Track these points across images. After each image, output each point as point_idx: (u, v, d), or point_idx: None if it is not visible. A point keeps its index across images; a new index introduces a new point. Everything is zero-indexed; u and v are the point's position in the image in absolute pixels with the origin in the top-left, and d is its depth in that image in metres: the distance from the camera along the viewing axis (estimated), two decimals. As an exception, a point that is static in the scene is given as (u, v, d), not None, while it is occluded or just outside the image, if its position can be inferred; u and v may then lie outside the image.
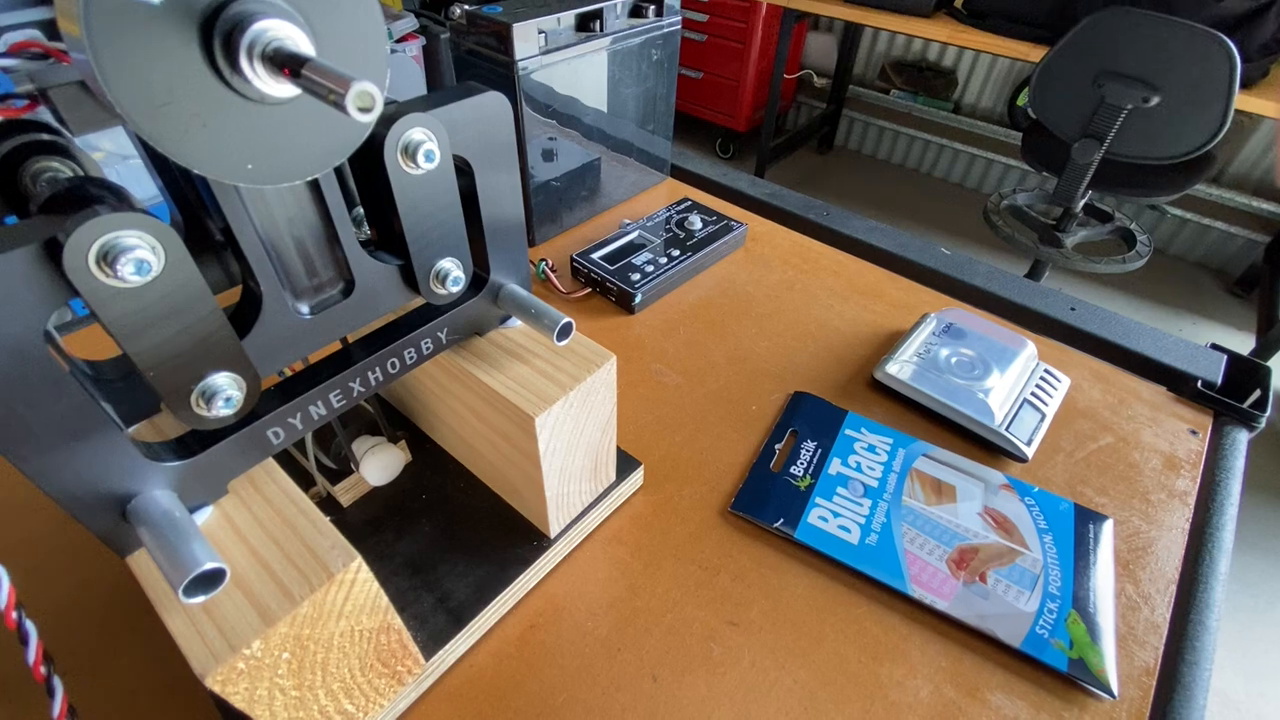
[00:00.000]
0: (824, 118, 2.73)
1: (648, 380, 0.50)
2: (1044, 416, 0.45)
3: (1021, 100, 2.34)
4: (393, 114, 0.22)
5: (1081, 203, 1.65)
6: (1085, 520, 0.40)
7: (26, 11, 0.20)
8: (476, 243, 0.30)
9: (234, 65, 0.15)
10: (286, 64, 0.14)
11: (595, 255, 0.58)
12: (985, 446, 0.45)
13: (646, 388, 0.49)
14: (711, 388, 0.49)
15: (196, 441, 0.23)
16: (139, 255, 0.17)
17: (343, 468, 0.36)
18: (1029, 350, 0.49)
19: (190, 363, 0.20)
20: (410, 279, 0.27)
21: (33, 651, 0.21)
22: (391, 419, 0.42)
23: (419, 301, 0.28)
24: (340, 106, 0.13)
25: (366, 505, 0.37)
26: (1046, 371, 0.49)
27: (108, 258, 0.17)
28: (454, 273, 0.27)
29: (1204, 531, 0.40)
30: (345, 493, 0.37)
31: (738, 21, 2.36)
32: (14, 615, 0.20)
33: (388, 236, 0.26)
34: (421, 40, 1.98)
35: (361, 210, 0.27)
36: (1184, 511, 0.41)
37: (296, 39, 0.15)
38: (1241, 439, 0.46)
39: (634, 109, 0.65)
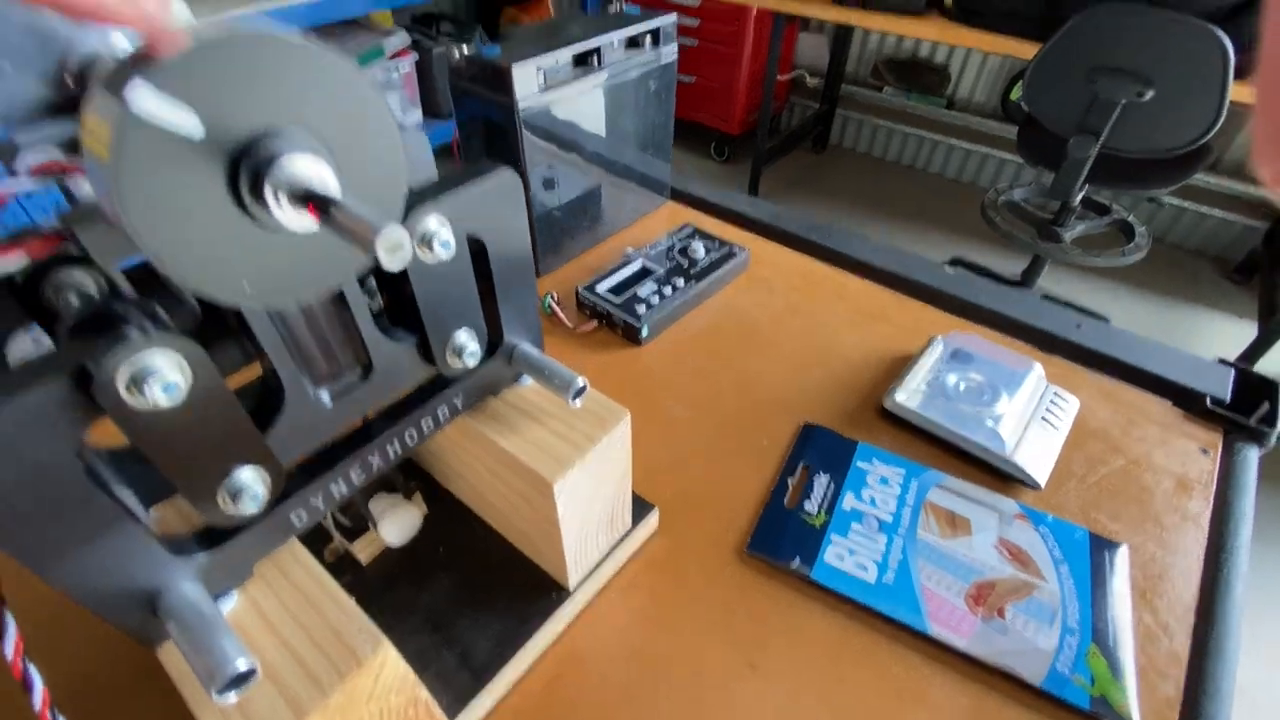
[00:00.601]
0: (818, 117, 2.72)
1: (658, 415, 0.50)
2: (1055, 441, 0.46)
3: (1015, 94, 2.34)
4: (410, 204, 0.22)
5: (1079, 197, 1.65)
6: (1100, 548, 0.40)
7: (46, 126, 0.20)
8: (489, 307, 0.30)
9: (258, 198, 0.15)
10: (313, 203, 0.15)
11: (600, 287, 0.58)
12: (998, 474, 0.45)
13: (657, 423, 0.49)
14: (721, 420, 0.49)
15: (221, 531, 0.23)
16: (167, 378, 0.17)
17: (360, 526, 0.37)
18: (1037, 372, 0.49)
19: (215, 463, 0.20)
20: (426, 352, 0.27)
21: (38, 698, 0.20)
22: (406, 470, 0.42)
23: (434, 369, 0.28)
24: (369, 250, 0.14)
25: (384, 560, 0.38)
26: (1055, 394, 0.49)
27: (137, 382, 0.17)
28: (470, 345, 0.27)
29: (1219, 556, 0.40)
30: (363, 550, 0.37)
31: (729, 25, 2.36)
32: (20, 663, 0.20)
33: (401, 310, 0.26)
34: (414, 56, 1.98)
35: (373, 280, 0.27)
36: (1198, 535, 0.42)
37: (324, 176, 0.15)
38: (1252, 456, 0.46)
39: (633, 136, 0.65)
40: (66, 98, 0.21)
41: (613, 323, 0.57)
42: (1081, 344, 0.55)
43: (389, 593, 0.36)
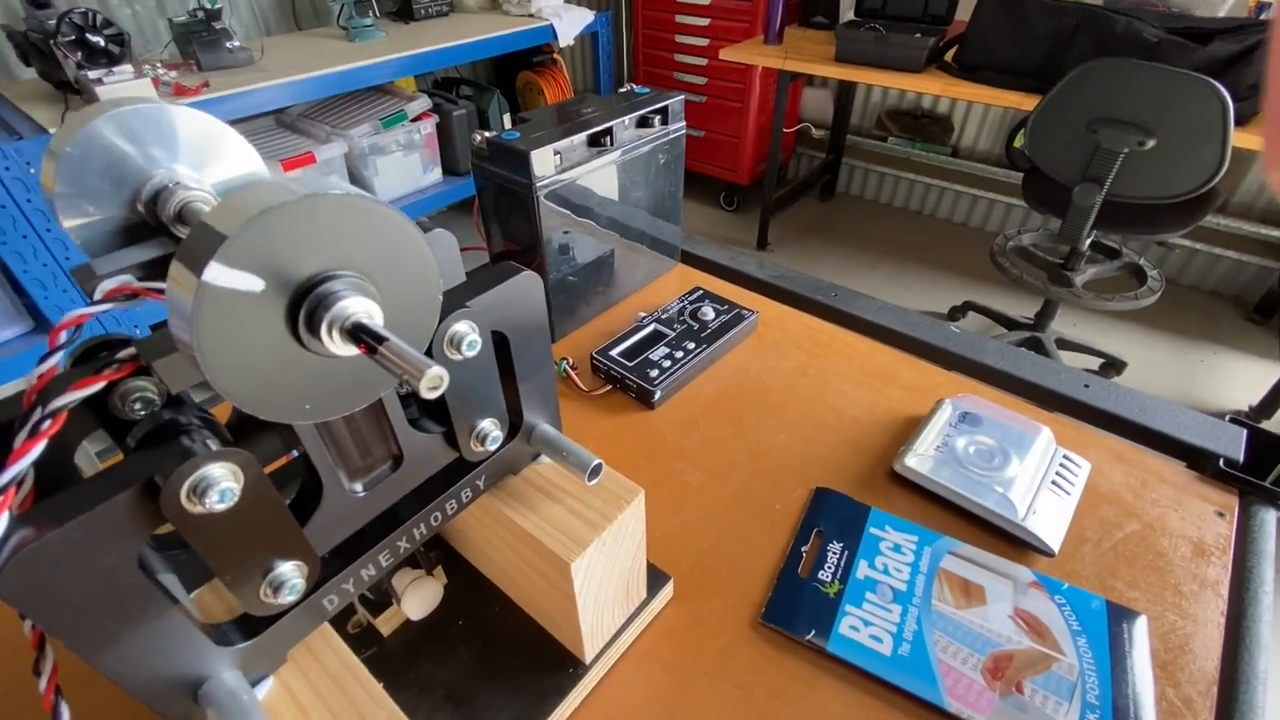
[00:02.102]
0: (824, 167, 2.79)
1: (671, 480, 0.51)
2: (1067, 506, 0.46)
3: (1019, 142, 2.40)
4: (442, 310, 0.24)
5: (1088, 241, 1.66)
6: (1119, 618, 0.40)
7: (122, 255, 0.22)
8: (510, 392, 0.31)
9: (314, 334, 0.17)
10: (364, 342, 0.16)
11: (614, 352, 0.60)
12: (1011, 540, 0.45)
13: (670, 488, 0.50)
14: (734, 486, 0.50)
15: (260, 620, 0.24)
16: (224, 486, 0.19)
17: (383, 600, 0.38)
18: (1045, 435, 0.50)
19: (259, 558, 0.22)
20: (452, 439, 0.28)
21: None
22: (428, 541, 0.43)
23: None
24: (413, 386, 0.15)
25: (405, 632, 0.38)
26: (1065, 457, 0.49)
27: (198, 491, 0.19)
28: (493, 432, 0.29)
29: (1240, 625, 0.40)
30: (385, 623, 0.38)
31: (736, 83, 2.45)
32: (51, 695, 0.20)
33: (430, 403, 0.28)
34: (435, 119, 2.08)
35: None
36: (1218, 603, 0.41)
37: (372, 312, 0.17)
38: (1270, 520, 0.46)
39: (644, 204, 0.68)
40: (139, 224, 0.24)
41: (626, 386, 0.58)
42: (1090, 403, 0.56)
43: (411, 667, 0.37)
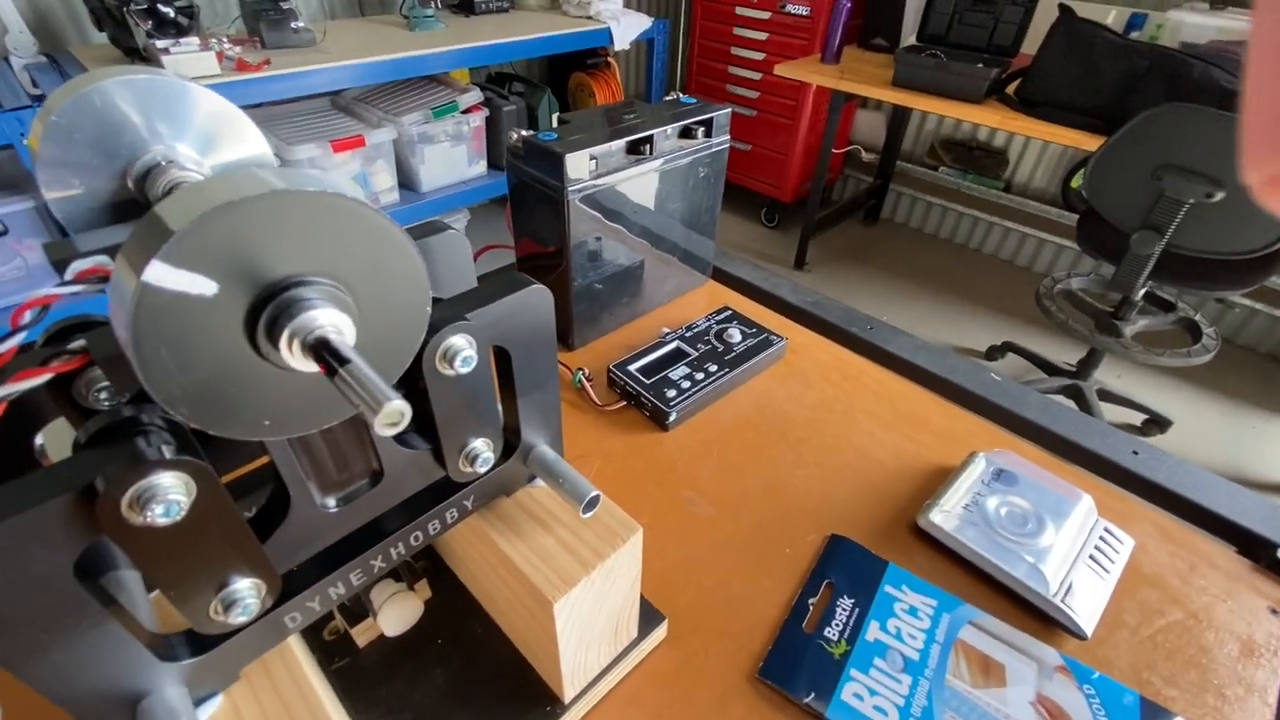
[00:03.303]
0: (871, 191, 2.73)
1: (678, 510, 0.48)
2: (1105, 585, 0.42)
3: (1076, 182, 2.31)
4: (438, 321, 0.22)
5: (1141, 292, 1.59)
6: (1153, 719, 0.36)
7: (107, 233, 0.21)
8: (509, 409, 0.29)
9: (274, 345, 0.15)
10: (323, 361, 0.15)
11: (632, 367, 0.58)
12: (1038, 615, 0.41)
13: (676, 518, 0.48)
14: (745, 523, 0.47)
15: (210, 636, 0.23)
16: (171, 498, 0.17)
17: (360, 609, 0.36)
18: (1086, 504, 0.46)
19: (210, 575, 0.20)
20: (440, 458, 0.26)
21: None
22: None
23: (447, 472, 0.28)
24: (368, 419, 0.13)
25: (381, 645, 0.37)
26: (1106, 529, 0.45)
27: (140, 500, 0.17)
28: (484, 453, 0.27)
29: (1292, 743, 0.36)
30: (361, 634, 0.36)
31: (788, 99, 2.42)
32: None
33: (418, 416, 0.26)
34: (485, 112, 2.09)
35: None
36: (1264, 713, 0.37)
37: (341, 327, 0.15)
38: (1332, 624, 0.42)
39: (679, 216, 0.66)
40: (128, 201, 0.23)
41: (641, 404, 0.56)
42: (1138, 472, 0.51)
43: (382, 684, 0.35)
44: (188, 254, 0.13)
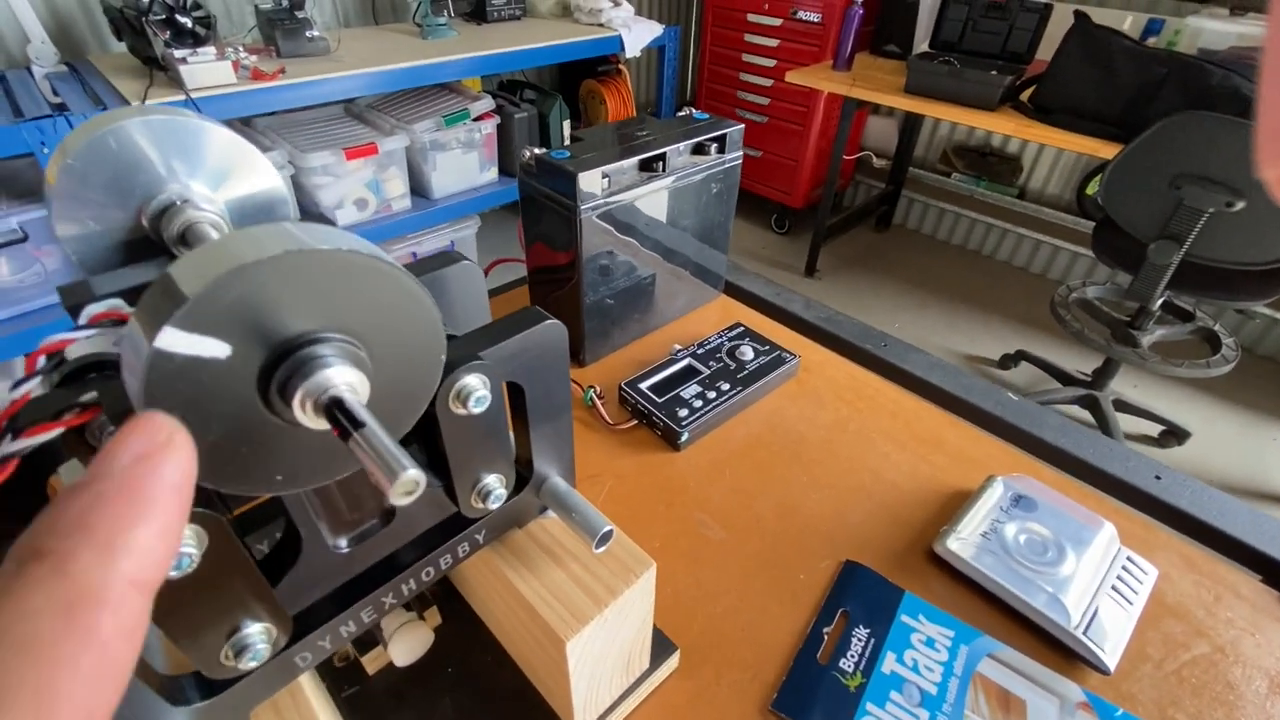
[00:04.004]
0: (883, 197, 2.72)
1: (690, 533, 0.48)
2: (1129, 617, 0.41)
3: (1091, 189, 2.28)
4: (452, 361, 0.22)
5: (1159, 301, 1.57)
6: (1178, 759, 0.35)
7: (121, 275, 0.21)
8: (522, 442, 0.29)
9: (287, 404, 0.15)
10: (335, 422, 0.14)
11: (643, 385, 0.58)
12: (1059, 647, 0.40)
13: (688, 542, 0.47)
14: (757, 547, 0.47)
15: (220, 680, 0.22)
16: (183, 551, 0.17)
17: (369, 639, 0.36)
18: (1108, 532, 0.45)
19: (220, 622, 0.20)
20: (452, 494, 0.26)
21: None
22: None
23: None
24: (381, 489, 0.13)
25: (391, 673, 0.36)
26: (1129, 559, 0.44)
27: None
28: (496, 490, 0.26)
29: (1325, 787, 0.35)
30: (371, 662, 0.36)
31: (799, 105, 2.41)
32: None
33: (430, 454, 0.26)
34: (497, 120, 2.10)
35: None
36: (1298, 754, 0.36)
37: (356, 385, 0.15)
38: (1365, 660, 0.40)
39: (692, 232, 0.65)
40: (141, 240, 0.22)
41: (653, 423, 0.56)
42: (1161, 498, 0.50)
43: (391, 714, 0.35)
44: (201, 319, 0.13)
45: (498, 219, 2.61)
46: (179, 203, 0.22)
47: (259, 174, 0.25)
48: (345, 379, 0.15)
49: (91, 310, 0.19)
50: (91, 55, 1.71)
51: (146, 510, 0.11)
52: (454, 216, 2.10)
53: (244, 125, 1.84)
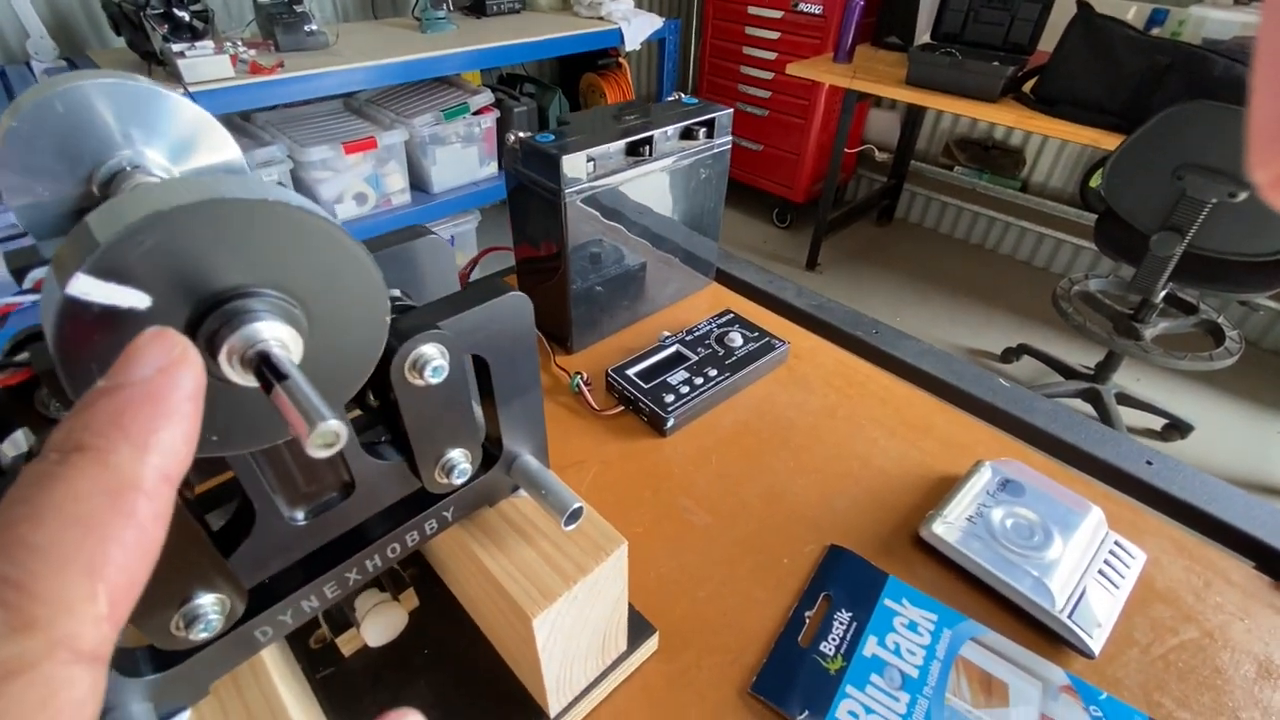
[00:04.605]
0: (885, 191, 2.70)
1: (674, 517, 0.47)
2: (1115, 601, 0.41)
3: (1094, 182, 2.26)
4: (407, 329, 0.22)
5: (1162, 294, 1.55)
6: (1162, 743, 0.34)
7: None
8: (490, 419, 0.29)
9: (214, 359, 0.15)
10: (260, 375, 0.14)
11: (630, 371, 0.57)
12: (1044, 631, 0.40)
13: (672, 526, 0.47)
14: (742, 533, 0.46)
15: (175, 652, 0.22)
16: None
17: (343, 620, 0.35)
18: (1096, 516, 0.44)
19: (170, 592, 0.20)
20: (415, 469, 0.26)
21: None
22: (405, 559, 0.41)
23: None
24: (300, 441, 0.13)
25: (366, 655, 0.36)
26: (1117, 543, 0.44)
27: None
28: (461, 464, 0.26)
29: (1311, 771, 0.34)
30: (346, 644, 0.36)
31: (800, 98, 2.40)
32: None
33: (394, 426, 0.25)
34: (496, 114, 2.10)
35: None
36: (1285, 739, 0.36)
37: (286, 341, 0.15)
38: (1356, 645, 0.40)
39: (681, 218, 0.65)
40: (94, 206, 0.22)
41: (639, 409, 0.55)
42: (1152, 483, 0.50)
43: (366, 695, 0.34)
44: (116, 266, 0.13)
45: (498, 214, 2.61)
46: (129, 168, 0.21)
47: (218, 145, 0.24)
48: (275, 334, 0.15)
49: (35, 275, 0.19)
50: (90, 50, 1.71)
51: (171, 415, 0.12)
52: (453, 211, 2.10)
53: (243, 120, 1.84)
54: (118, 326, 0.13)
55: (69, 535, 0.10)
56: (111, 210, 0.13)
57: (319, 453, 0.13)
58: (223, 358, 0.14)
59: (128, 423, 0.11)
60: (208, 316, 0.14)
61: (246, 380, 0.15)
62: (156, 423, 0.12)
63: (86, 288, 0.12)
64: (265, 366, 0.14)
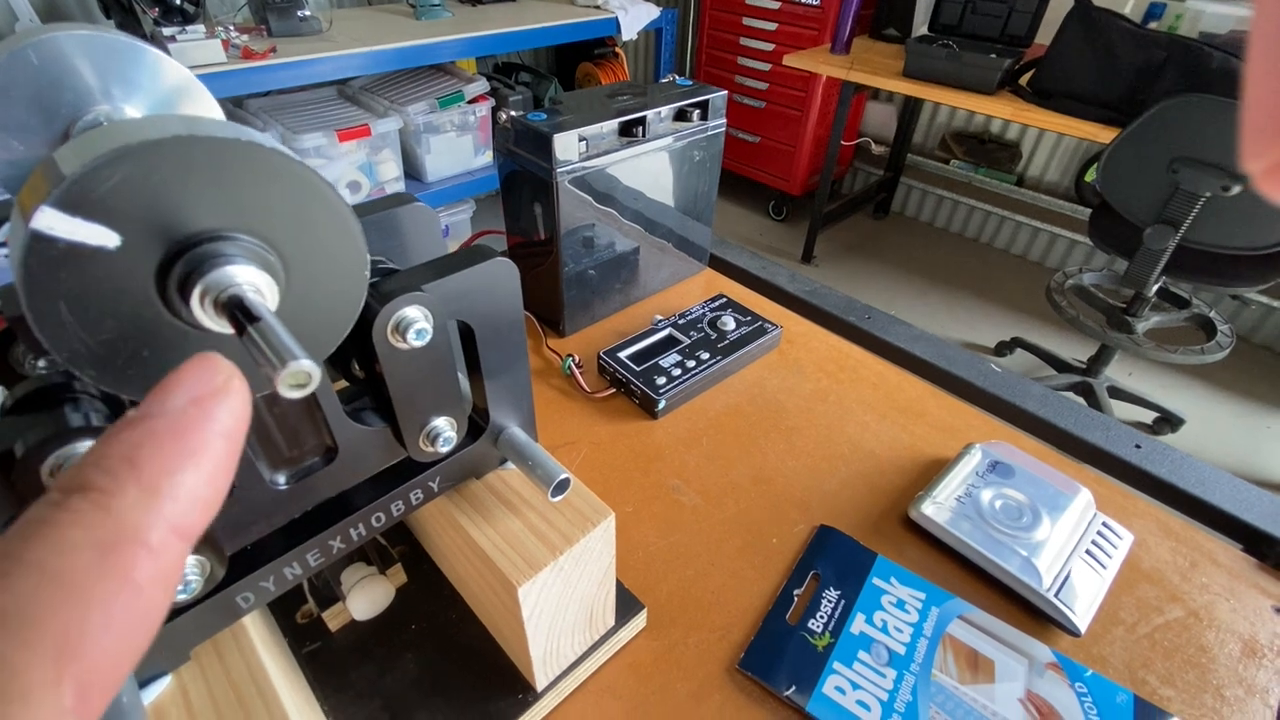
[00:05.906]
0: (881, 184, 2.70)
1: (664, 498, 0.47)
2: (1102, 580, 0.41)
3: (1090, 176, 2.27)
4: (390, 291, 0.21)
5: (1155, 288, 1.56)
6: (1147, 718, 0.35)
7: None
8: (477, 390, 0.29)
9: (186, 302, 0.14)
10: (233, 318, 0.14)
11: (622, 354, 0.57)
12: (1031, 610, 0.40)
13: (662, 506, 0.47)
14: (731, 513, 0.46)
15: (159, 613, 0.22)
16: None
17: (330, 595, 0.35)
18: (1084, 498, 0.45)
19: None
20: (400, 435, 0.26)
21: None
22: (393, 531, 0.41)
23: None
24: (271, 381, 0.12)
25: (353, 630, 0.36)
26: (1105, 525, 0.44)
27: (62, 470, 0.16)
28: (446, 432, 0.26)
29: (1293, 747, 0.34)
30: (333, 618, 0.36)
31: (797, 90, 2.39)
32: None
33: (378, 392, 0.25)
34: (491, 102, 2.08)
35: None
36: (1266, 715, 0.36)
37: (261, 287, 0.14)
38: (1339, 625, 0.40)
39: (675, 202, 0.65)
40: (70, 164, 0.22)
41: (631, 392, 0.55)
42: (1140, 466, 0.50)
43: (353, 669, 0.34)
44: (83, 201, 0.12)
45: (493, 203, 2.60)
46: (105, 122, 0.21)
47: (199, 103, 0.24)
48: (249, 278, 0.14)
49: (6, 230, 0.18)
50: (80, 33, 1.69)
51: (196, 455, 0.10)
52: (448, 200, 2.08)
53: (235, 106, 1.83)
54: (87, 266, 0.13)
55: (41, 598, 0.08)
56: (80, 144, 0.13)
57: (291, 393, 0.13)
58: (195, 301, 0.14)
59: (142, 460, 0.10)
60: (180, 258, 0.14)
61: (220, 325, 0.14)
62: (176, 462, 0.10)
63: (52, 222, 0.12)
64: (238, 310, 0.14)
